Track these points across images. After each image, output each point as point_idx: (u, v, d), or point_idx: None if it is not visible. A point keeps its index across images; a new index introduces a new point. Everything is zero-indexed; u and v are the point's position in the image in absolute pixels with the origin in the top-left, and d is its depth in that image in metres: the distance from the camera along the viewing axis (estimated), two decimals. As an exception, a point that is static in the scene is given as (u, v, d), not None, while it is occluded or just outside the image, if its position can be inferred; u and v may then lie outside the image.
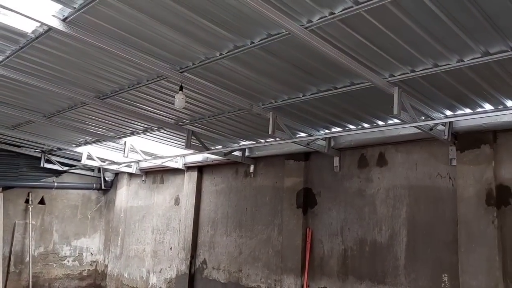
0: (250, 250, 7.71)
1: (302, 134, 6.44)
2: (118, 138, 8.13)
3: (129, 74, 5.04)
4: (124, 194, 11.10)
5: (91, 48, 4.32)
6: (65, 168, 10.89)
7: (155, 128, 7.33)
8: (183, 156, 8.88)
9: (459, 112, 5.05)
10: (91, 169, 11.26)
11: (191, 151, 8.56)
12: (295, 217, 6.92)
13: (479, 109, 4.92)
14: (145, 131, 7.52)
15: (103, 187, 11.64)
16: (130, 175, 11.05)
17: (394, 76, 4.25)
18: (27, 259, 10.35)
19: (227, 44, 4.05)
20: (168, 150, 8.70)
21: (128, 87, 5.45)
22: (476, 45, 3.51)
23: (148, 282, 9.80)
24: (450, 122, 5.13)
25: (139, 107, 6.16)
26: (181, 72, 4.71)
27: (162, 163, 9.07)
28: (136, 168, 10.48)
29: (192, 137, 7.05)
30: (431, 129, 5.07)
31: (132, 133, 7.77)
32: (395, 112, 4.30)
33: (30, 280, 10.16)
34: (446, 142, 5.38)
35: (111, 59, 4.58)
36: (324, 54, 3.69)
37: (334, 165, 6.64)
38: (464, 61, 3.75)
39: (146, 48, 4.22)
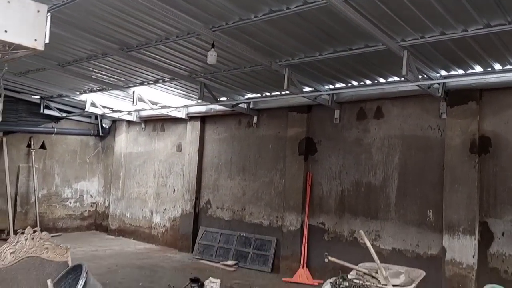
0: (253, 192, 8.57)
1: (308, 89, 7.12)
2: (127, 87, 8.53)
3: (159, 29, 5.45)
4: (123, 141, 11.61)
5: (124, 2, 4.55)
6: (64, 114, 11.23)
7: (167, 80, 7.78)
8: (187, 106, 9.41)
9: (453, 72, 5.85)
10: (88, 116, 11.63)
11: (194, 102, 9.15)
12: (297, 163, 7.75)
13: (470, 71, 5.73)
14: (156, 81, 7.96)
15: (100, 134, 12.08)
16: (129, 122, 11.51)
17: (405, 41, 4.93)
18: (32, 200, 10.89)
19: (263, 8, 4.58)
20: (171, 100, 9.19)
21: (156, 42, 5.88)
22: (480, 17, 4.21)
23: (152, 221, 10.59)
24: (443, 80, 5.92)
25: (160, 60, 6.59)
26: (213, 31, 5.21)
27: (167, 112, 9.59)
28: (136, 116, 10.94)
29: (204, 89, 7.60)
30: (428, 88, 5.86)
31: (142, 83, 8.21)
32: (404, 73, 5.04)
33: (38, 219, 10.76)
34: (438, 98, 6.20)
35: (142, 13, 4.85)
36: (348, 20, 4.29)
37: (335, 117, 7.41)
38: (468, 31, 4.47)
39: (183, 6, 4.62)
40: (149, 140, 11.03)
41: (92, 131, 12.04)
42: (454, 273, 5.86)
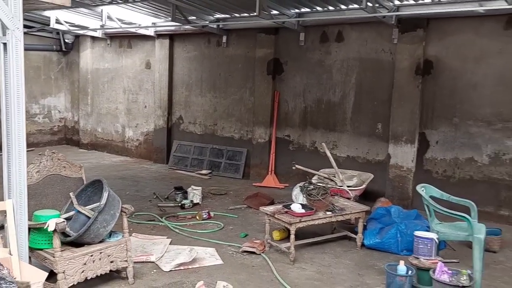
0: (224, 108, 9.33)
1: (275, 12, 7.63)
2: (94, 5, 8.61)
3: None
4: (89, 57, 11.73)
5: None
6: (24, 30, 11.06)
7: (137, 0, 7.97)
8: (155, 26, 9.62)
9: (405, 2, 6.57)
10: (49, 31, 11.51)
11: (162, 20, 9.38)
12: (265, 82, 8.50)
13: (420, 1, 6.46)
14: (126, 1, 8.12)
15: (63, 49, 12.08)
16: (93, 38, 11.55)
17: (366, -23, 5.54)
18: None
19: None
20: (140, 18, 9.35)
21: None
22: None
23: (125, 135, 11.25)
24: (397, 11, 6.64)
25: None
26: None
27: (136, 30, 9.79)
28: (102, 32, 10.99)
29: (176, 11, 7.91)
30: (383, 17, 6.58)
31: (111, 2, 8.33)
32: (364, 6, 5.71)
33: (12, 137, 11.11)
34: (391, 25, 6.97)
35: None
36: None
37: (300, 39, 8.06)
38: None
39: None
40: (116, 57, 11.24)
41: (54, 46, 12.01)
42: (396, 174, 7.13)
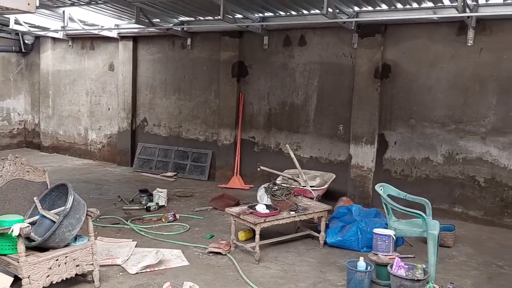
0: (189, 110, 9.37)
1: (239, 16, 7.75)
2: (56, 7, 8.46)
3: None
4: (50, 58, 11.48)
5: None
6: (-19, 30, 10.74)
7: (100, 2, 7.90)
8: (118, 26, 9.54)
9: (364, 9, 6.84)
10: (8, 32, 11.20)
11: (126, 21, 9.31)
12: (230, 84, 8.60)
13: (378, 8, 6.74)
14: (88, 3, 8.03)
15: (23, 50, 11.77)
16: (54, 39, 11.31)
17: (327, -16, 5.75)
18: (-42, 120, 10.75)
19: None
20: (102, 19, 9.25)
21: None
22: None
23: (87, 138, 11.07)
24: (356, 17, 6.90)
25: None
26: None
27: (99, 32, 9.67)
28: (63, 33, 10.78)
29: (140, 13, 7.89)
30: (344, 23, 6.82)
31: (73, 4, 8.21)
32: (325, 12, 5.91)
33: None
34: (351, 30, 7.23)
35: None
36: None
37: (264, 43, 8.21)
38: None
39: None
40: (78, 58, 11.05)
41: (13, 47, 11.68)
42: (357, 174, 7.39)
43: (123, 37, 9.98)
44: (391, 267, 4.09)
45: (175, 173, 9.27)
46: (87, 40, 10.80)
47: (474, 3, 6.06)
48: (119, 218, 6.23)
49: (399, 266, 4.11)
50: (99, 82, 10.74)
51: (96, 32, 9.69)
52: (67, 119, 11.41)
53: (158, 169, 9.56)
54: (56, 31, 10.39)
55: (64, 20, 8.76)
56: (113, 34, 9.90)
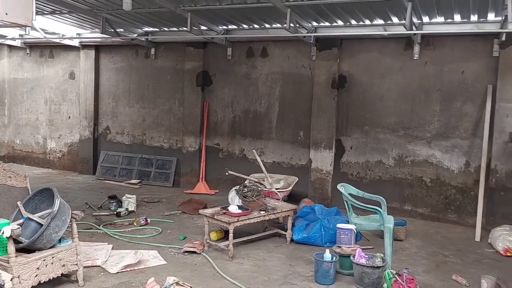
0: (153, 118, 9.57)
1: (204, 28, 8.10)
2: (17, 15, 8.43)
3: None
4: (5, 66, 11.29)
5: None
6: None
7: (65, 12, 7.97)
8: (79, 35, 9.61)
9: (322, 24, 7.41)
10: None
11: (88, 30, 9.41)
12: (194, 93, 8.91)
13: (334, 24, 7.33)
14: (52, 12, 8.09)
15: (-24, 58, 11.49)
16: (11, 47, 11.14)
17: (289, 1, 6.22)
18: None
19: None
20: (63, 28, 9.28)
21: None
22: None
23: (46, 147, 10.95)
24: (315, 32, 7.47)
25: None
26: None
27: (60, 41, 9.68)
28: (20, 41, 10.66)
29: (106, 23, 8.05)
30: (304, 37, 7.36)
31: (36, 13, 8.22)
32: (287, 27, 6.39)
33: None
34: (310, 44, 7.78)
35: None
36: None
37: (228, 54, 8.62)
38: None
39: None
40: (37, 66, 10.95)
41: (-34, 55, 11.38)
42: (317, 177, 7.91)
43: (84, 46, 10.04)
44: (354, 257, 4.57)
45: (139, 180, 9.41)
46: (46, 48, 10.74)
47: (420, 21, 6.79)
48: (90, 223, 6.36)
49: (361, 256, 4.59)
50: (59, 90, 10.69)
51: (57, 40, 9.69)
52: (24, 127, 11.23)
53: (122, 177, 9.65)
54: (13, 39, 10.29)
55: (25, 28, 8.73)
56: (75, 42, 9.94)
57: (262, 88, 8.47)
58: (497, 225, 6.25)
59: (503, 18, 6.10)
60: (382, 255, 4.64)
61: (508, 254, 5.60)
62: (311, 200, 7.38)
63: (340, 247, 4.95)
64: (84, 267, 4.61)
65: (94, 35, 9.46)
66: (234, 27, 8.04)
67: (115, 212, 6.86)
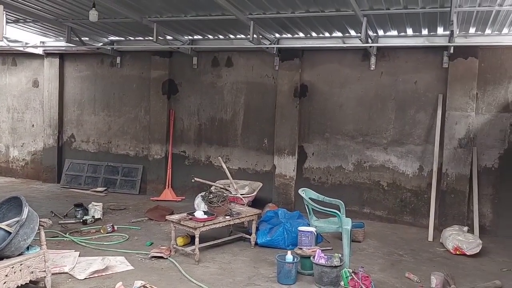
0: (119, 126, 9.62)
1: (170, 37, 8.26)
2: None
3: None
4: (-35, 73, 11.04)
5: None
6: None
7: (29, 20, 7.95)
8: (43, 43, 9.56)
9: (284, 36, 7.73)
10: None
11: (52, 38, 9.38)
12: (160, 101, 9.05)
13: (296, 35, 7.67)
14: (16, 21, 8.04)
15: None
16: (-30, 54, 10.93)
17: (252, 14, 6.49)
18: None
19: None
20: (25, 35, 9.22)
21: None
22: (302, 5, 5.94)
23: (9, 155, 10.78)
24: (277, 43, 7.78)
25: (24, 4, 6.75)
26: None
27: (24, 49, 9.60)
28: (-19, 49, 10.48)
29: (71, 32, 8.08)
30: (267, 48, 7.66)
31: (-2, 21, 8.17)
32: (251, 39, 6.67)
33: None
34: (273, 54, 8.09)
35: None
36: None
37: (193, 63, 8.81)
38: (295, 13, 6.23)
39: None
40: (-2, 74, 10.79)
41: None
42: (281, 182, 8.19)
43: (48, 54, 9.98)
44: (314, 258, 4.85)
45: (105, 188, 9.42)
46: (8, 56, 10.60)
47: (375, 34, 7.21)
48: (56, 231, 6.37)
49: (320, 256, 4.88)
50: (22, 98, 10.57)
51: (20, 48, 9.60)
52: (-15, 136, 11.00)
53: (87, 185, 9.63)
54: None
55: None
56: (38, 51, 9.88)
57: (228, 96, 8.70)
58: (448, 226, 6.70)
59: (450, 32, 6.59)
60: (340, 255, 4.94)
61: (458, 253, 6.02)
62: (275, 205, 7.64)
63: (301, 248, 5.21)
64: (52, 274, 4.69)
65: (58, 43, 9.44)
66: (200, 37, 8.26)
67: (81, 220, 6.89)
